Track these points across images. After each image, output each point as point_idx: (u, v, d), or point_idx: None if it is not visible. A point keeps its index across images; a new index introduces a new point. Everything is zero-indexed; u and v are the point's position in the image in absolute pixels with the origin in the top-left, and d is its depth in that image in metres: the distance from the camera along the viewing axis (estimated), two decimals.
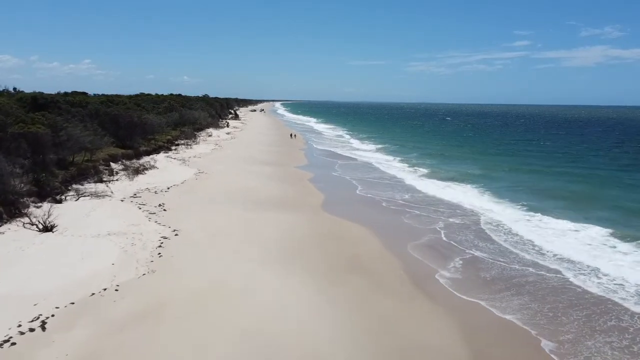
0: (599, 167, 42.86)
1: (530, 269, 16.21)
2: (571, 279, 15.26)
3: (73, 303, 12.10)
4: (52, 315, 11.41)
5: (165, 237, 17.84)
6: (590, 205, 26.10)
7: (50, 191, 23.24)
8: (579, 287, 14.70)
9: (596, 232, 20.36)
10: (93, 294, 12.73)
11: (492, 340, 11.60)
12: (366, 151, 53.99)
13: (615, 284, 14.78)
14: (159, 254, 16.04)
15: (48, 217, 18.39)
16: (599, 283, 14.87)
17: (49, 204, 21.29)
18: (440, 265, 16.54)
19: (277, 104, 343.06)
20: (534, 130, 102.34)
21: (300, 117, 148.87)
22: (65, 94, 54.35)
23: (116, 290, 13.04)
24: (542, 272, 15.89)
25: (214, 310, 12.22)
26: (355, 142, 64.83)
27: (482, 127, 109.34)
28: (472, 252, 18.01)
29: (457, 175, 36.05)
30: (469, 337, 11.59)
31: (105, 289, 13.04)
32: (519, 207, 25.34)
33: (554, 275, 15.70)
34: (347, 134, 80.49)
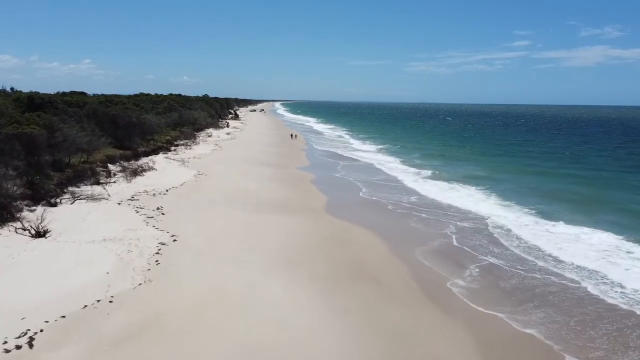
0: (603, 168, 42.24)
1: (552, 278, 15.39)
2: (592, 289, 14.47)
3: (64, 316, 11.35)
4: (41, 331, 10.65)
5: (163, 243, 17.09)
6: (598, 209, 25.46)
7: (44, 194, 22.51)
8: (602, 298, 13.92)
9: (609, 237, 19.66)
10: (86, 306, 11.98)
11: (511, 357, 10.90)
12: (367, 152, 53.29)
13: None
14: (157, 261, 15.31)
15: (41, 221, 17.67)
16: (622, 293, 14.10)
17: (43, 208, 20.58)
18: (453, 273, 15.79)
19: (277, 104, 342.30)
20: (535, 130, 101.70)
21: (300, 117, 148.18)
22: (64, 93, 53.66)
23: (110, 301, 12.30)
24: (564, 282, 15.08)
25: (213, 323, 11.51)
26: (356, 143, 64.12)
27: (483, 128, 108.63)
28: (487, 258, 17.25)
29: (461, 177, 35.37)
30: (487, 353, 10.88)
31: (98, 301, 12.30)
32: (527, 210, 24.64)
33: (576, 285, 14.90)
34: (347, 134, 79.80)
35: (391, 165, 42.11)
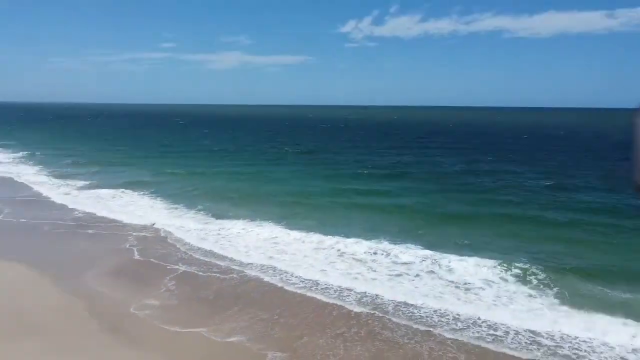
0: (253, 162, 46.02)
1: (247, 275, 15.58)
2: (274, 280, 15.33)
3: None
4: None
5: None
6: (255, 202, 27.34)
7: None
8: (282, 286, 14.83)
9: (270, 227, 21.41)
10: None
11: None
12: (2, 163, 44.02)
13: (313, 281, 15.31)
14: None
15: None
16: (299, 278, 15.45)
17: None
18: (143, 292, 14.21)
19: None
20: (187, 130, 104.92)
21: None
22: None
23: None
24: (254, 277, 15.45)
25: None
26: None
27: (133, 129, 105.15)
28: (178, 267, 16.36)
29: (123, 183, 32.90)
30: None
31: None
32: (197, 211, 24.79)
33: (262, 278, 15.44)
34: None
35: (38, 177, 35.75)
